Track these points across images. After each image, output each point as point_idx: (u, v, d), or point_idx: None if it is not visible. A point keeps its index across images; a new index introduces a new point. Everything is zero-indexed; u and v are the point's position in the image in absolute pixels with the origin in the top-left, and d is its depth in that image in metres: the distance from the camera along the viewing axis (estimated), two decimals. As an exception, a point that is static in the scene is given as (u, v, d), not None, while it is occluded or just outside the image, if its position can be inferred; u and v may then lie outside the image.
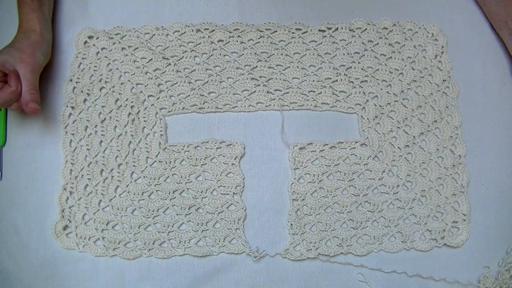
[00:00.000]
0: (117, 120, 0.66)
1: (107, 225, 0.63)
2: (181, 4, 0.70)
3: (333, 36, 0.69)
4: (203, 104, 0.67)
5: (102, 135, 0.65)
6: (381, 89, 0.68)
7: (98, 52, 0.68)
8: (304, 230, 0.64)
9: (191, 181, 0.64)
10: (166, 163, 0.65)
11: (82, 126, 0.66)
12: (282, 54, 0.68)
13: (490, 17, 0.70)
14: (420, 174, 0.66)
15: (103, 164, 0.65)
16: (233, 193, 0.64)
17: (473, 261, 0.65)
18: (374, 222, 0.65)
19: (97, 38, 0.68)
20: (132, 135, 0.65)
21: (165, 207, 0.64)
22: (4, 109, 0.66)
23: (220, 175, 0.65)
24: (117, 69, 0.67)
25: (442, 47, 0.69)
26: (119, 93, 0.67)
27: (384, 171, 0.66)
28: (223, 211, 0.64)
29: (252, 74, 0.68)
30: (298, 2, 0.71)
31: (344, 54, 0.69)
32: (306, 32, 0.69)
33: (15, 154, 0.65)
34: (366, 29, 0.70)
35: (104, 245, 0.63)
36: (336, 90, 0.68)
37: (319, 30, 0.69)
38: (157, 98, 0.67)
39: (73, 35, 0.68)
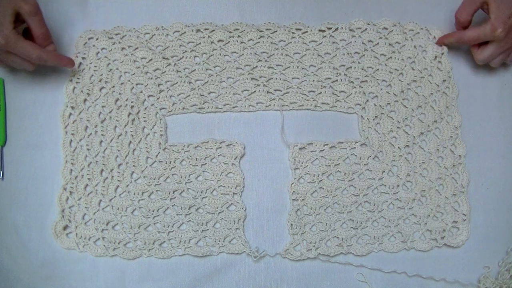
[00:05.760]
0: (117, 120, 0.66)
1: (107, 225, 0.63)
2: (181, 4, 0.70)
3: (333, 36, 0.70)
4: (203, 104, 0.67)
5: (102, 135, 0.65)
6: (381, 89, 0.68)
7: (98, 52, 0.68)
8: (304, 230, 0.64)
9: (191, 181, 0.64)
10: (166, 163, 0.65)
11: (82, 126, 0.66)
12: (282, 54, 0.68)
13: None
14: (420, 174, 0.66)
15: (103, 164, 0.65)
16: (233, 193, 0.64)
17: (473, 261, 0.65)
18: (374, 222, 0.65)
19: (97, 38, 0.68)
20: (132, 135, 0.65)
21: (165, 207, 0.64)
22: (3, 109, 0.66)
23: (220, 175, 0.65)
24: (117, 69, 0.67)
25: (442, 47, 0.69)
26: (119, 93, 0.67)
27: (384, 171, 0.66)
28: (223, 211, 0.64)
29: (252, 74, 0.68)
30: (298, 2, 0.71)
31: (344, 54, 0.69)
32: (306, 32, 0.69)
33: (15, 154, 0.65)
34: (366, 29, 0.70)
35: (104, 245, 0.63)
36: (336, 90, 0.68)
37: (319, 30, 0.69)
38: (157, 98, 0.67)
39: (73, 35, 0.68)
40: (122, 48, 0.68)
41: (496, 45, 0.64)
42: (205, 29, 0.69)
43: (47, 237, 0.63)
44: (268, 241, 0.64)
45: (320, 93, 0.68)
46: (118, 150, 0.65)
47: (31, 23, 0.59)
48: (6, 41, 0.57)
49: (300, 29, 0.69)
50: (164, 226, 0.63)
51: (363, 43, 0.69)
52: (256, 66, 0.68)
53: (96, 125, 0.66)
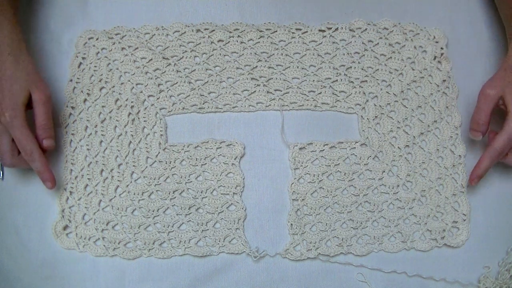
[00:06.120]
0: (117, 120, 0.66)
1: (107, 225, 0.63)
2: (181, 4, 0.70)
3: (333, 36, 0.70)
4: (203, 104, 0.67)
5: (102, 135, 0.65)
6: (381, 89, 0.68)
7: (98, 52, 0.68)
8: (304, 230, 0.64)
9: (191, 181, 0.64)
10: (166, 163, 0.65)
11: (82, 126, 0.66)
12: (282, 54, 0.69)
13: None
14: (420, 174, 0.66)
15: (103, 164, 0.65)
16: (233, 193, 0.64)
17: (473, 261, 0.64)
18: (374, 222, 0.65)
19: (97, 38, 0.68)
20: (132, 135, 0.65)
21: (165, 207, 0.64)
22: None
23: (220, 175, 0.65)
24: (117, 69, 0.67)
25: (442, 48, 0.69)
26: (119, 93, 0.67)
27: (384, 171, 0.66)
28: (223, 211, 0.64)
29: (252, 74, 0.68)
30: (298, 2, 0.71)
31: (344, 54, 0.69)
32: (306, 32, 0.69)
33: (15, 154, 0.65)
34: (366, 29, 0.70)
35: (104, 245, 0.63)
36: (336, 90, 0.68)
37: (319, 30, 0.70)
38: (157, 98, 0.67)
39: (73, 35, 0.68)
40: (122, 48, 0.68)
41: None
42: (205, 29, 0.69)
43: (47, 237, 0.63)
44: (268, 241, 0.64)
45: (320, 93, 0.68)
46: (118, 150, 0.65)
47: (37, 111, 0.58)
48: (11, 120, 0.56)
49: (300, 29, 0.69)
50: (164, 226, 0.63)
51: (363, 43, 0.69)
52: (256, 66, 0.68)
53: (96, 125, 0.66)
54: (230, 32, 0.69)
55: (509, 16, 0.63)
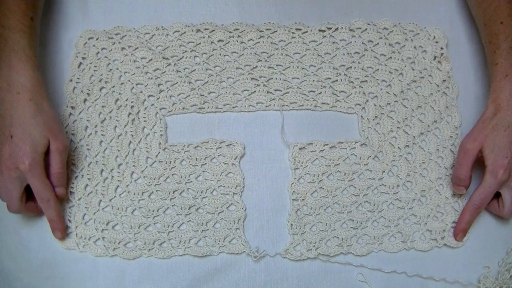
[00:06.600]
0: (117, 120, 0.66)
1: (107, 225, 0.63)
2: (181, 4, 0.70)
3: (333, 36, 0.70)
4: (203, 104, 0.67)
5: (102, 135, 0.65)
6: (381, 89, 0.68)
7: (98, 52, 0.68)
8: (304, 230, 0.64)
9: (191, 181, 0.64)
10: (166, 163, 0.65)
11: (82, 126, 0.66)
12: (282, 54, 0.69)
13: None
14: (420, 174, 0.66)
15: (103, 164, 0.65)
16: (233, 193, 0.64)
17: (473, 261, 0.64)
18: (374, 222, 0.65)
19: (97, 38, 0.68)
20: (132, 135, 0.65)
21: (165, 207, 0.64)
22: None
23: (220, 175, 0.65)
24: (117, 69, 0.67)
25: (442, 48, 0.69)
26: (119, 93, 0.67)
27: (384, 171, 0.66)
28: (223, 211, 0.64)
29: (252, 74, 0.68)
30: (298, 2, 0.71)
31: (344, 54, 0.69)
32: (306, 32, 0.69)
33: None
34: (366, 29, 0.70)
35: (104, 245, 0.63)
36: (336, 90, 0.68)
37: (319, 30, 0.70)
38: (157, 98, 0.67)
39: (73, 35, 0.68)
40: (122, 48, 0.68)
41: (507, 189, 0.60)
42: (205, 29, 0.69)
43: (47, 237, 0.63)
44: (268, 241, 0.64)
45: (320, 93, 0.68)
46: (118, 150, 0.65)
47: (54, 160, 0.58)
48: (31, 168, 0.56)
49: (300, 29, 0.69)
50: (164, 226, 0.63)
51: (363, 43, 0.69)
52: (256, 66, 0.68)
53: (96, 125, 0.66)
54: (230, 32, 0.69)
55: (491, 64, 0.63)
